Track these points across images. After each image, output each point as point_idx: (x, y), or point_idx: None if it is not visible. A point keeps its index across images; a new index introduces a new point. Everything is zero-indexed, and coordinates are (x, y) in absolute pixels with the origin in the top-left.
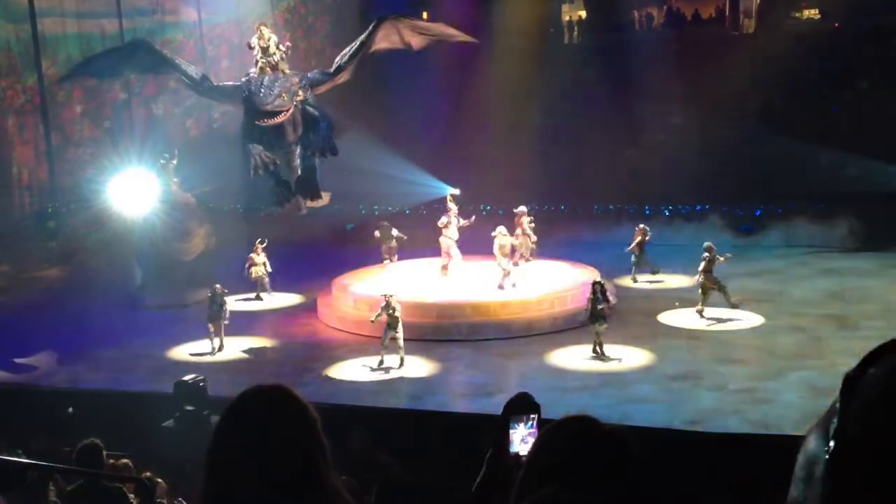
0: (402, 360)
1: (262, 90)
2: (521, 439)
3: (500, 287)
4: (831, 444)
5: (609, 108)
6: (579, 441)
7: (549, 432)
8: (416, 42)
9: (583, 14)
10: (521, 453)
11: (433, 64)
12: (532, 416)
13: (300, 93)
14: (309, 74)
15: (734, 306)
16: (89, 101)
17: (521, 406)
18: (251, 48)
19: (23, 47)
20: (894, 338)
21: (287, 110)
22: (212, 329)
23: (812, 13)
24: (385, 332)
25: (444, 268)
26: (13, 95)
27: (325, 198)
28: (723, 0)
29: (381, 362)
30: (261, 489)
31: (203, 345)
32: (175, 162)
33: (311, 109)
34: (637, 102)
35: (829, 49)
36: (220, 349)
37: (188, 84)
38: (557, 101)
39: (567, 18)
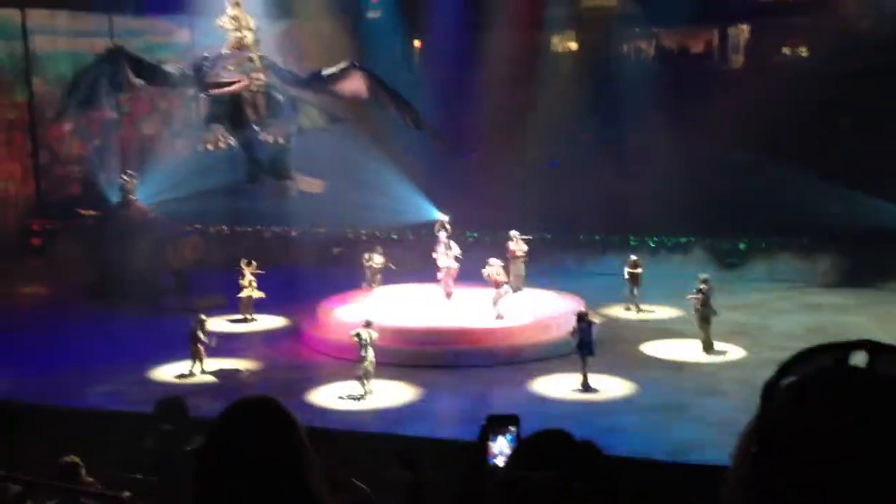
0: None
1: (206, 63)
2: (500, 452)
3: (500, 317)
4: (752, 449)
5: (597, 139)
6: (553, 451)
7: (524, 445)
8: (388, 105)
9: (573, 45)
10: (500, 465)
11: (422, 89)
12: (511, 428)
13: (261, 75)
14: (279, 65)
15: (706, 347)
16: (78, 119)
17: (502, 419)
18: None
19: (14, 64)
20: (808, 347)
21: (236, 81)
22: (193, 352)
23: (800, 50)
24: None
25: (448, 295)
26: (3, 111)
27: (316, 185)
28: (712, 35)
29: (365, 394)
30: (252, 501)
31: (184, 366)
32: (136, 181)
33: (275, 93)
34: (625, 134)
35: (816, 86)
36: (201, 372)
37: (172, 83)
38: (546, 131)
39: (557, 49)
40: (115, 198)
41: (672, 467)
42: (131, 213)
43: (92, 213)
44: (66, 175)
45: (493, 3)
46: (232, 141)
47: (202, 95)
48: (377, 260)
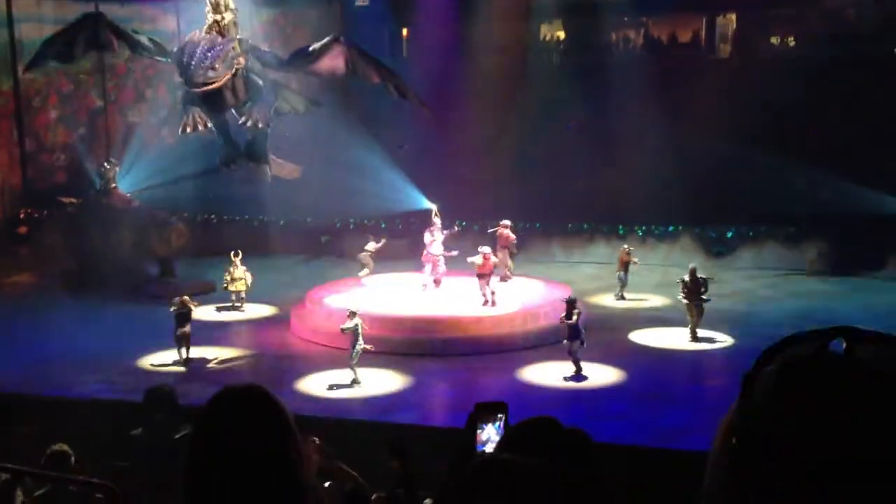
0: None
1: (194, 62)
2: (489, 439)
3: (489, 303)
4: (733, 440)
5: (585, 128)
6: (541, 438)
7: (512, 431)
8: (371, 76)
9: (561, 34)
10: (489, 452)
11: (409, 79)
12: (500, 416)
13: (241, 59)
14: (261, 49)
15: (693, 336)
16: (64, 107)
17: (490, 407)
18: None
19: None
20: (786, 336)
21: (219, 80)
22: (179, 340)
23: (788, 39)
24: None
25: (437, 282)
26: None
27: (293, 171)
28: (700, 25)
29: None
30: (242, 490)
31: (171, 355)
32: (118, 168)
33: (254, 78)
34: (613, 123)
35: (804, 75)
36: (186, 360)
37: (149, 53)
38: (534, 120)
39: (545, 38)
40: (96, 186)
41: (660, 454)
42: (112, 201)
43: (73, 200)
44: (51, 163)
45: None
46: (210, 124)
47: (188, 89)
48: (370, 247)
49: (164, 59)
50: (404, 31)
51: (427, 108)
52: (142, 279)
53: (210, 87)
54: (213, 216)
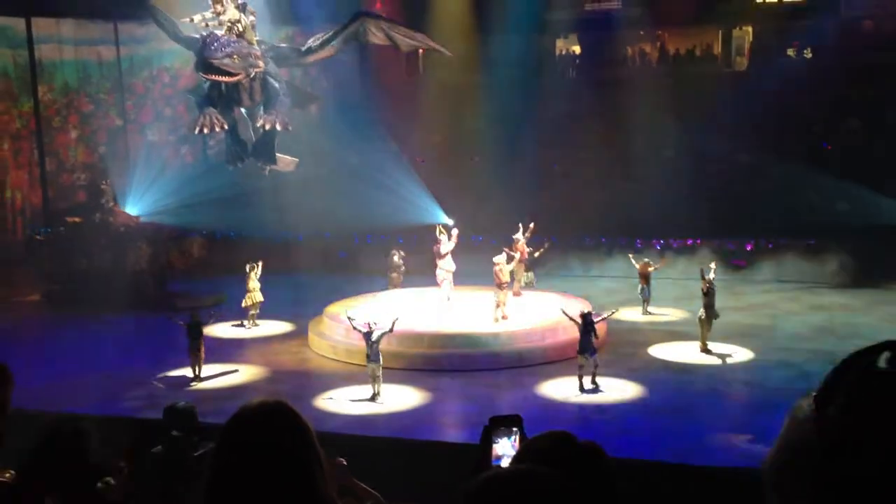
0: (376, 393)
1: (215, 44)
2: (504, 453)
3: (496, 319)
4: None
5: (602, 142)
6: (556, 453)
7: (527, 446)
8: (400, 43)
9: (576, 49)
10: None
11: (426, 93)
12: (514, 430)
13: (260, 63)
14: (279, 46)
15: (703, 348)
16: (84, 126)
17: (505, 420)
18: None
19: (20, 72)
20: (848, 356)
21: (235, 75)
22: (192, 357)
23: (805, 51)
24: (368, 364)
25: (448, 299)
26: (9, 120)
27: (290, 164)
28: (715, 38)
29: (375, 395)
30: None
31: (186, 372)
32: (111, 188)
33: (272, 80)
34: (630, 136)
35: (820, 87)
36: (198, 377)
37: (170, 36)
38: (551, 134)
39: (561, 52)
40: (93, 205)
41: (680, 469)
42: (109, 219)
43: (77, 220)
44: (72, 183)
45: (496, 6)
46: (226, 124)
47: (199, 74)
48: (396, 262)
49: (177, 40)
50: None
51: (448, 52)
52: (144, 294)
53: (222, 77)
54: (232, 233)
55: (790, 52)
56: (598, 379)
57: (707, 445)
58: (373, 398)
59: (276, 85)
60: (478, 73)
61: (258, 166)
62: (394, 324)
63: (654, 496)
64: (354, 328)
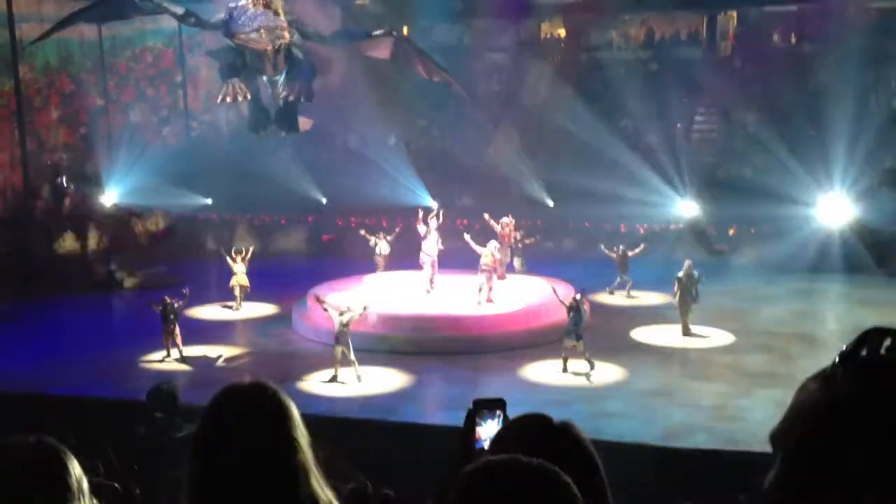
0: (358, 376)
1: (243, 18)
2: (487, 436)
3: (479, 303)
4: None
5: (586, 125)
6: (535, 435)
7: (505, 429)
8: (424, 70)
9: (562, 32)
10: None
11: (413, 76)
12: (498, 413)
13: (286, 34)
14: (303, 22)
15: (685, 332)
16: (66, 106)
17: (488, 403)
18: None
19: (0, 52)
20: (855, 338)
21: (262, 47)
22: (165, 339)
23: (790, 37)
24: (335, 346)
25: (431, 281)
26: None
27: (306, 124)
28: (701, 22)
29: (335, 377)
30: (247, 485)
31: (170, 353)
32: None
33: (295, 51)
34: (614, 120)
35: (805, 72)
36: (168, 357)
37: (176, 18)
38: (535, 118)
39: (546, 36)
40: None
41: (662, 452)
42: (64, 202)
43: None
44: (53, 163)
45: None
46: (249, 94)
47: (227, 41)
48: (383, 247)
49: (199, 25)
50: (405, 29)
51: (468, 99)
52: (96, 275)
53: (250, 45)
54: (213, 214)
55: (775, 37)
56: (584, 362)
57: (689, 428)
58: (333, 379)
59: (300, 55)
60: (463, 56)
61: (279, 133)
62: (365, 309)
63: (636, 478)
64: (326, 311)
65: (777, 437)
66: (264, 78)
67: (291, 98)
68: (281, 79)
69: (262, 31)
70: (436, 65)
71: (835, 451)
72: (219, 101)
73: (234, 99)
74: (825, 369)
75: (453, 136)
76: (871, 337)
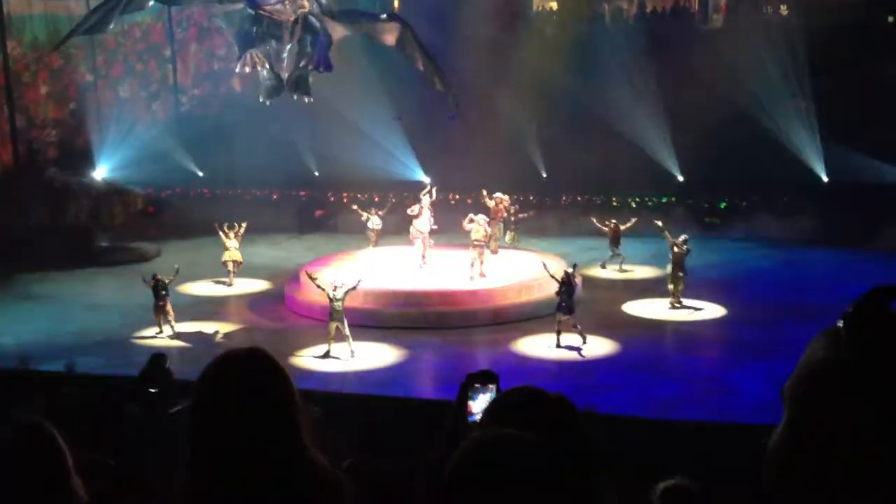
0: (351, 351)
1: None
2: (480, 410)
3: (472, 277)
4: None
5: (578, 100)
6: (528, 408)
7: (497, 401)
8: (416, 61)
9: (554, 5)
10: None
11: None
12: (491, 387)
13: (306, 4)
14: None
15: (673, 304)
16: (55, 82)
17: (481, 376)
18: None
19: None
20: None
21: (287, 18)
22: (157, 315)
23: (781, 9)
24: (329, 321)
25: (423, 257)
26: None
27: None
28: None
29: (328, 353)
30: (244, 451)
31: (162, 329)
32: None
33: (313, 20)
34: (606, 94)
35: (797, 45)
36: (161, 333)
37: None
38: (527, 92)
39: (538, 9)
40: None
41: (654, 424)
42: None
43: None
44: (42, 139)
45: None
46: (267, 63)
47: (249, 10)
48: (375, 222)
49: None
50: (396, 3)
51: (457, 106)
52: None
53: (273, 16)
54: (205, 190)
55: (766, 9)
56: (569, 335)
57: (681, 400)
58: (326, 355)
59: (317, 24)
60: (454, 28)
61: (294, 97)
62: (358, 283)
63: (629, 451)
64: (318, 287)
65: (787, 392)
66: (273, 43)
67: (311, 67)
68: (294, 48)
69: (287, 3)
70: (436, 67)
71: (841, 407)
72: (237, 69)
73: (253, 67)
74: (834, 327)
75: (446, 110)
76: (877, 294)
